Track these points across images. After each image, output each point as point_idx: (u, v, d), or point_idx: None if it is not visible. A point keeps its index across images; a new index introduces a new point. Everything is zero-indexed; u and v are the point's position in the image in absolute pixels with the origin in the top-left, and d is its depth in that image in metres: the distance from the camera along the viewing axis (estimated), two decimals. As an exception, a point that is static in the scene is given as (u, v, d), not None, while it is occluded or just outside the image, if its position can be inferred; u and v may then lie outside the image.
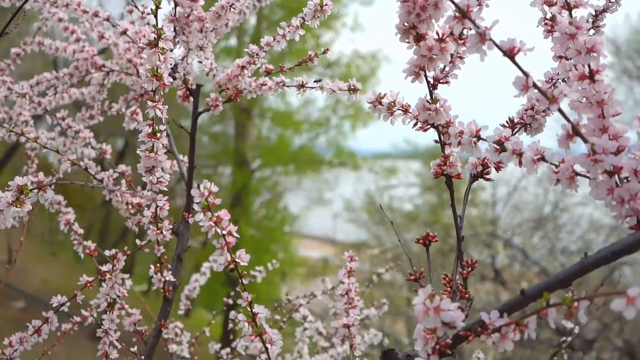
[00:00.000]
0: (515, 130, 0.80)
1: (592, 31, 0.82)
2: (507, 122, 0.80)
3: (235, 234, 0.72)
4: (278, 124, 11.73)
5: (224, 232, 0.71)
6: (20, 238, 1.33)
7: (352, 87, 0.96)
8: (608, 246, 0.58)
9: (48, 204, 1.25)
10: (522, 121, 0.80)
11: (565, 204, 6.97)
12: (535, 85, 0.58)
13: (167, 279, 1.09)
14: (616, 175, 0.61)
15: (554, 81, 0.80)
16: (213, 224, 0.71)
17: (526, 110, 0.80)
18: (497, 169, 0.78)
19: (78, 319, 1.25)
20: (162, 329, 1.11)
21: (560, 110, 0.59)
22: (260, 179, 11.85)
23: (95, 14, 1.20)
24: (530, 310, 0.60)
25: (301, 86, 1.06)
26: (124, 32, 1.10)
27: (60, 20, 1.30)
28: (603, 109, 0.62)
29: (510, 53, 0.58)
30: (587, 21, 0.83)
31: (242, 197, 11.02)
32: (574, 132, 0.59)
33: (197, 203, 0.70)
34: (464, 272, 0.72)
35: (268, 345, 0.74)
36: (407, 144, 10.49)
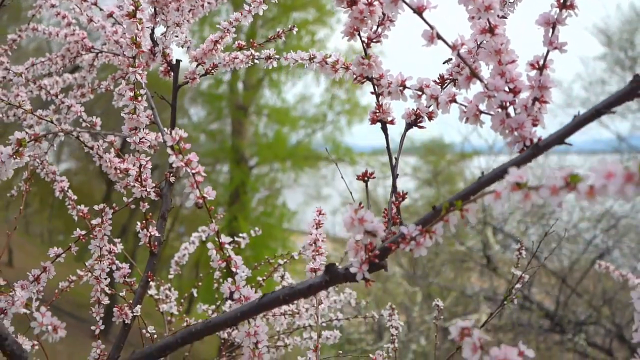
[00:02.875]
0: (445, 84, 0.93)
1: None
2: (438, 77, 0.93)
3: (203, 174, 0.84)
4: (275, 120, 11.84)
5: (194, 171, 0.84)
6: (14, 217, 1.45)
7: (311, 56, 1.08)
8: (499, 166, 0.70)
9: (44, 174, 1.38)
10: (450, 77, 0.92)
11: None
12: (439, 36, 0.71)
13: (152, 234, 1.21)
14: (512, 110, 0.74)
15: (479, 42, 0.93)
16: (184, 165, 0.83)
17: (454, 67, 0.92)
18: (429, 118, 0.90)
19: (74, 277, 1.38)
20: (149, 280, 1.24)
21: (459, 56, 0.72)
22: (258, 175, 11.96)
23: (84, -1, 1.32)
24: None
25: (268, 58, 1.20)
26: (110, 15, 1.23)
27: (52, 6, 1.43)
28: (501, 57, 0.74)
29: (419, 10, 0.71)
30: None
31: (240, 194, 11.13)
32: (472, 74, 0.72)
33: (170, 146, 0.83)
34: (397, 202, 0.85)
35: (233, 269, 0.87)
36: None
